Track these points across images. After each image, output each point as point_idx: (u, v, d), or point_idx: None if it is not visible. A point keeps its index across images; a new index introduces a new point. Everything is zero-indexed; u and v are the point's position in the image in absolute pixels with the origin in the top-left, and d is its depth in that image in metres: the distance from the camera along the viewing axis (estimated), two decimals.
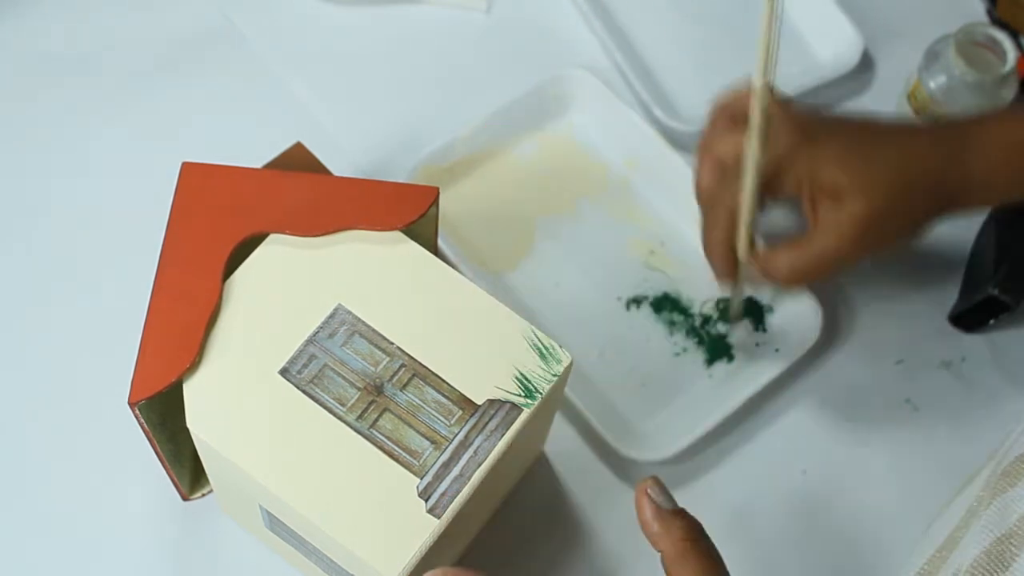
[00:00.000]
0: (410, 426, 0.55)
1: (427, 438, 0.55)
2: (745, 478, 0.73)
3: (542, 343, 0.57)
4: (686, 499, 0.74)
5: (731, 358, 0.75)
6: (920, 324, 0.78)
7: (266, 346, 0.56)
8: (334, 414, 0.55)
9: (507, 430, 0.55)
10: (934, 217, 0.67)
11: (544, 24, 0.86)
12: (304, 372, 0.56)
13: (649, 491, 0.48)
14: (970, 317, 0.78)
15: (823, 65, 0.85)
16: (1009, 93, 0.80)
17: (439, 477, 0.54)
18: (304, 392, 0.55)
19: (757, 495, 0.72)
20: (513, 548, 0.69)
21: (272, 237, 0.59)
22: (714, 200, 0.68)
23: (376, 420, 0.55)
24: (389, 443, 0.55)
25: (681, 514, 0.48)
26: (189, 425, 0.55)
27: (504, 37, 0.86)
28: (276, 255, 0.59)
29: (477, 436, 0.55)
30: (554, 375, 0.57)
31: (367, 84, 0.83)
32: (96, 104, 0.79)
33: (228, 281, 0.58)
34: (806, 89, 0.83)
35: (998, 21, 0.89)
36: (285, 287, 0.58)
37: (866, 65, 0.87)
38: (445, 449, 0.55)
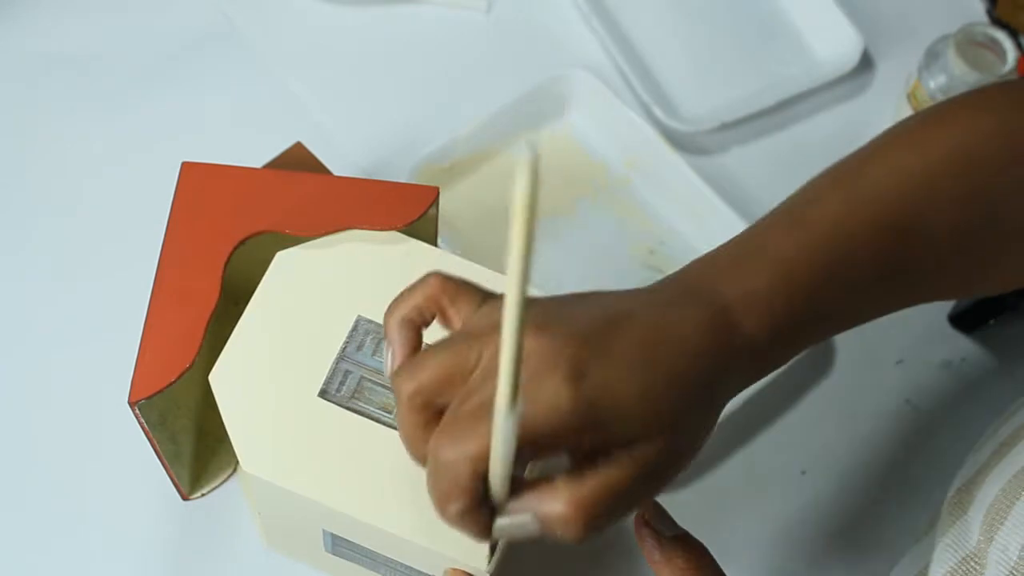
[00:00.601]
0: None
1: None
2: (745, 478, 0.72)
3: None
4: (686, 499, 0.73)
5: None
6: (920, 324, 0.78)
7: (300, 373, 0.56)
8: (383, 423, 0.55)
9: None
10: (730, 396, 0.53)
11: (544, 24, 0.86)
12: (343, 389, 0.55)
13: (648, 518, 0.47)
14: (970, 317, 0.78)
15: (823, 65, 0.85)
16: None
17: None
18: (348, 409, 0.55)
19: (757, 495, 0.72)
20: (513, 547, 0.69)
21: (279, 256, 0.59)
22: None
23: None
24: None
25: (682, 542, 0.47)
26: (246, 469, 0.54)
27: (504, 37, 0.86)
28: (286, 276, 0.58)
29: None
30: None
31: (367, 84, 0.83)
32: (96, 104, 0.79)
33: (246, 313, 0.57)
34: (806, 89, 0.83)
35: (998, 21, 0.89)
36: (302, 309, 0.57)
37: (866, 65, 0.87)
38: None
